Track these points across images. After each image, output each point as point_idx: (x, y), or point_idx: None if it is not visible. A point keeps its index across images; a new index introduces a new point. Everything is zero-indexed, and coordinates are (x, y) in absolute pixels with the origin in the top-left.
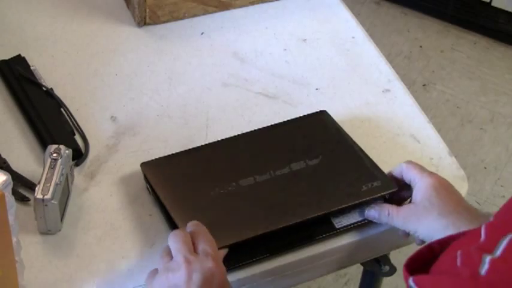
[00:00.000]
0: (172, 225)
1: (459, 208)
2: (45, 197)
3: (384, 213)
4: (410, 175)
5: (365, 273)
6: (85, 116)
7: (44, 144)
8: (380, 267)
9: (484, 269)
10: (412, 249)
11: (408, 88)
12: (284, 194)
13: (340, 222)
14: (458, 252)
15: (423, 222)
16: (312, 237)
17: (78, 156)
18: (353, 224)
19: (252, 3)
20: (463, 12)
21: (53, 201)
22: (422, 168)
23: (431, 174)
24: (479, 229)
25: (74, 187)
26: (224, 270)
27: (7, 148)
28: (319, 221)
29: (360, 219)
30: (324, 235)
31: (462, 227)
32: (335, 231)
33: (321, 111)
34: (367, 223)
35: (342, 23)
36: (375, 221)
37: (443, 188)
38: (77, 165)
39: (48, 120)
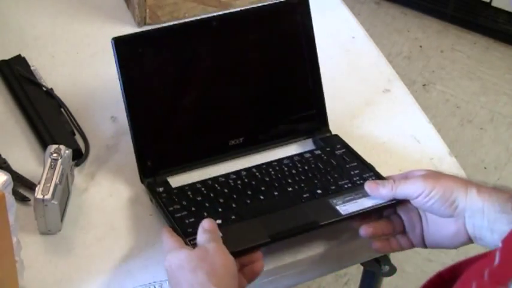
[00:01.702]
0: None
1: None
2: (45, 197)
3: (388, 183)
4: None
5: (365, 273)
6: (85, 116)
7: (44, 144)
8: (380, 267)
9: None
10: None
11: (408, 88)
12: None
13: (346, 209)
14: (474, 285)
15: (441, 179)
16: (316, 223)
17: (78, 156)
18: (359, 211)
19: (252, 3)
20: (463, 12)
21: (53, 201)
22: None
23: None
24: (491, 255)
25: (74, 187)
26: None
27: (7, 148)
28: (322, 207)
29: (366, 206)
30: (329, 221)
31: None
32: (341, 217)
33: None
34: (372, 211)
35: (342, 23)
36: (373, 192)
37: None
38: (77, 165)
39: (48, 120)
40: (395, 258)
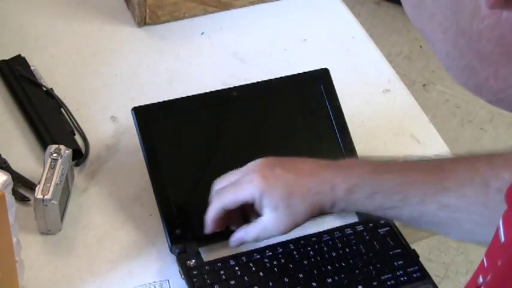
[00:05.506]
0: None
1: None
2: (45, 197)
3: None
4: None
5: None
6: (85, 116)
7: (44, 144)
8: None
9: None
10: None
11: (408, 88)
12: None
13: None
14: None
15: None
16: None
17: (78, 156)
18: None
19: (252, 3)
20: None
21: (53, 201)
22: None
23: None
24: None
25: (74, 187)
26: None
27: (7, 148)
28: None
29: None
30: None
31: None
32: None
33: None
34: None
35: (342, 23)
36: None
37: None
38: (77, 165)
39: (48, 120)
40: None
